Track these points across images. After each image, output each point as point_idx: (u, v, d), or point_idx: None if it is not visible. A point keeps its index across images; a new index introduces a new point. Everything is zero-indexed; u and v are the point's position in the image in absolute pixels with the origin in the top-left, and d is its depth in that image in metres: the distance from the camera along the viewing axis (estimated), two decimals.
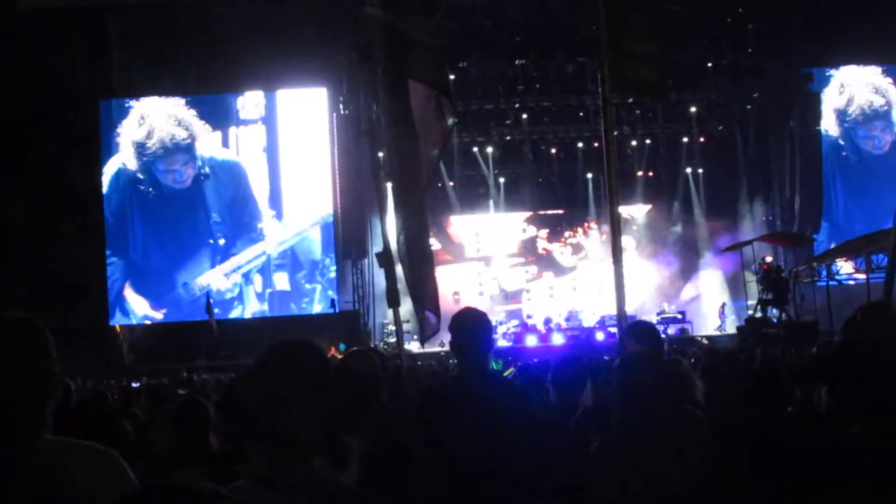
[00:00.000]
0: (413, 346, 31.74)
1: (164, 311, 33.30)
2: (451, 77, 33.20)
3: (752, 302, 29.32)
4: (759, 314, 26.62)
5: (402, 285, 7.13)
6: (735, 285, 33.18)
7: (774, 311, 26.39)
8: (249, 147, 34.29)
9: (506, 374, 11.36)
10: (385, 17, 6.35)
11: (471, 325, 5.55)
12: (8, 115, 29.57)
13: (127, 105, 33.86)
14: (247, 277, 33.87)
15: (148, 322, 33.38)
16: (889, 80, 35.65)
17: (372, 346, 30.31)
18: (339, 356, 9.67)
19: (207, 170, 33.97)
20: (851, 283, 28.52)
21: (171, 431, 6.06)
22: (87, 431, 5.92)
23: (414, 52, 6.42)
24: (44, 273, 28.45)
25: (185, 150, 33.90)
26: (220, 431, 5.78)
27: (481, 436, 5.13)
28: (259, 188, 34.11)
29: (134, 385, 19.82)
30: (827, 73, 35.54)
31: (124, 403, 12.28)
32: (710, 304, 35.57)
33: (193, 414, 5.95)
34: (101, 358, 28.07)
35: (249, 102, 34.29)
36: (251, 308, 33.91)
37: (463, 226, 37.15)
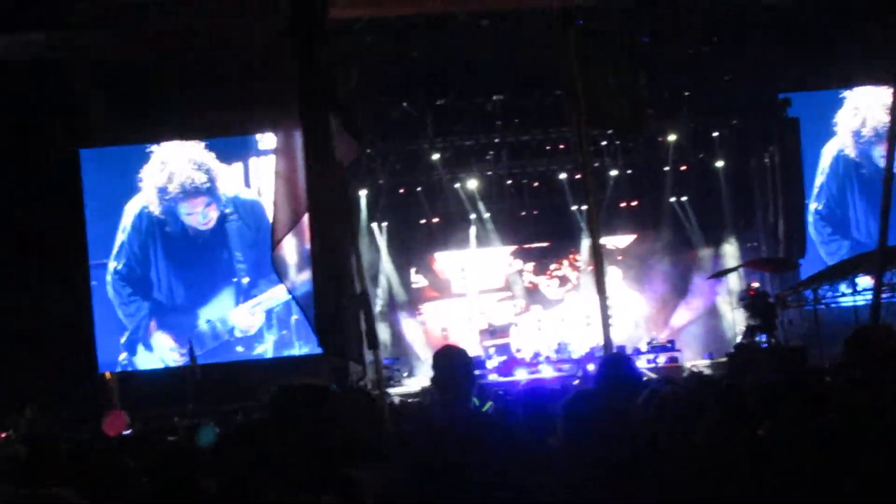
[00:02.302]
0: (399, 388, 31.56)
1: (186, 348, 32.98)
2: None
3: (739, 328, 29.36)
4: (746, 340, 26.66)
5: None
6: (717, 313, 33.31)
7: (763, 336, 26.45)
8: (269, 177, 33.85)
9: (484, 408, 11.39)
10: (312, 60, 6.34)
11: (450, 361, 5.58)
12: None
13: (147, 150, 33.80)
14: (269, 315, 33.76)
15: (175, 362, 33.02)
16: None
17: (358, 385, 30.35)
18: None
19: (230, 210, 34.02)
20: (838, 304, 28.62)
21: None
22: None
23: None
24: (27, 323, 28.43)
25: (205, 192, 33.90)
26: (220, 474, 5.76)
27: (465, 471, 5.15)
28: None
29: (125, 433, 19.75)
30: (840, 96, 35.31)
31: (117, 450, 12.21)
32: (704, 329, 35.48)
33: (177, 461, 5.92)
34: (89, 405, 27.88)
35: (268, 135, 34.03)
36: (273, 346, 33.67)
37: (448, 262, 37.10)
